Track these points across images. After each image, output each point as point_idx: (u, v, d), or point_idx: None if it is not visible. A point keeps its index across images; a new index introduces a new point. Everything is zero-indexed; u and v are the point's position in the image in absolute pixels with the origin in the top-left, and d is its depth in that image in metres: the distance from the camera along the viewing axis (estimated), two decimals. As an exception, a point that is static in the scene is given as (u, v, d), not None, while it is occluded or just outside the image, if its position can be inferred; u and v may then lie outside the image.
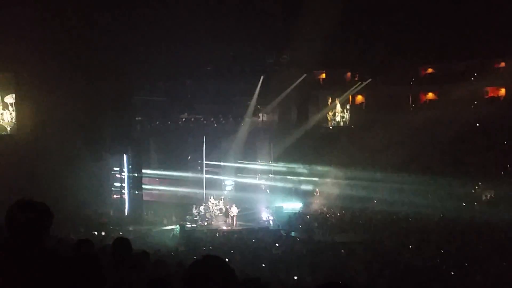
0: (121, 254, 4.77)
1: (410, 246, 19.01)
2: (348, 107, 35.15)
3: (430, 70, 36.78)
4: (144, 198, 28.95)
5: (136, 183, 28.29)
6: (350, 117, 34.87)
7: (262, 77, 31.23)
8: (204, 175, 30.58)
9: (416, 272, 14.90)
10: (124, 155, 27.70)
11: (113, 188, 28.44)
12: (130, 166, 27.97)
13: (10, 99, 23.51)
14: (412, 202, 25.88)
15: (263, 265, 16.52)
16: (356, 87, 34.24)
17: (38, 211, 3.04)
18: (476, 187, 26.27)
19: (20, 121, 23.61)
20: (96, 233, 22.09)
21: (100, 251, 7.68)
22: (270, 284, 10.98)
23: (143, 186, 28.93)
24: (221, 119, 32.36)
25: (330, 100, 34.91)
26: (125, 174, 27.80)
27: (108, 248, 9.57)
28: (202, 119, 32.33)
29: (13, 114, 23.50)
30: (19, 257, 2.90)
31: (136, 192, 28.24)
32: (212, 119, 32.35)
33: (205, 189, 30.20)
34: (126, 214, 27.23)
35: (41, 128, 23.26)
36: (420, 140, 29.29)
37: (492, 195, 25.31)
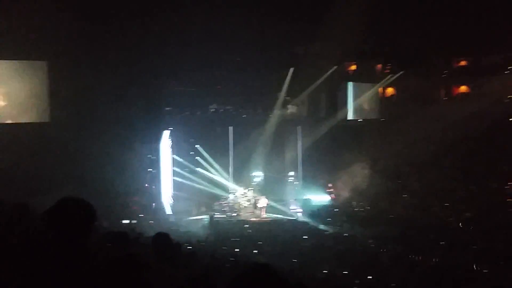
0: (163, 251, 4.83)
1: (441, 243, 18.75)
2: (378, 99, 34.74)
3: (463, 63, 36.04)
4: (174, 188, 29.22)
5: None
6: (381, 110, 34.47)
7: (291, 69, 31.04)
8: (232, 167, 30.67)
9: (445, 272, 14.66)
10: (158, 144, 28.00)
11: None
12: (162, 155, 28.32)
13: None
14: (443, 198, 25.52)
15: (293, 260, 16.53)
16: (387, 80, 33.82)
17: (82, 209, 3.08)
18: (509, 183, 25.70)
19: (54, 111, 24.29)
20: (128, 221, 22.58)
21: (134, 242, 7.79)
22: (301, 277, 11.02)
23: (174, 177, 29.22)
24: (250, 110, 32.34)
25: (360, 93, 34.54)
26: (157, 163, 28.07)
27: (141, 239, 9.71)
28: (231, 110, 32.34)
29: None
30: (66, 255, 2.93)
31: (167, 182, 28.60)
32: (240, 110, 32.35)
33: (233, 180, 30.29)
34: (156, 203, 27.53)
35: (76, 118, 23.95)
36: (452, 134, 28.79)
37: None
